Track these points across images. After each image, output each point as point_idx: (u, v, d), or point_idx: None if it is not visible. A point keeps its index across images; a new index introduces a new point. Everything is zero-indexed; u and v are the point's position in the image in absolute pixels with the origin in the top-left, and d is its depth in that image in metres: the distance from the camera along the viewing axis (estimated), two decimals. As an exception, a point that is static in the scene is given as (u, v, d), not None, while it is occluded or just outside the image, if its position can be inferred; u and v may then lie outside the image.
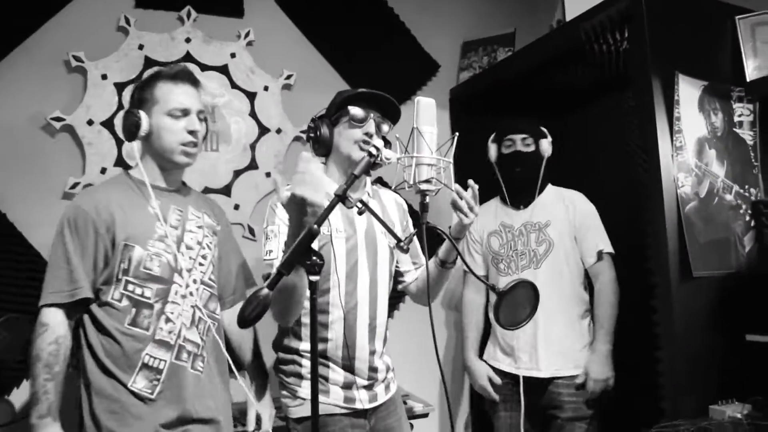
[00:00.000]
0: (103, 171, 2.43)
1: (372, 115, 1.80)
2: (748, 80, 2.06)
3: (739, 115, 2.10)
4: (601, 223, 2.40)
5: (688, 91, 1.98)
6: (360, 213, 1.44)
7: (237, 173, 2.69)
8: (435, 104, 1.46)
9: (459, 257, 1.69)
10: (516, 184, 2.47)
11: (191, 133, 1.67)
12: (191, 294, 1.67)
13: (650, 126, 1.95)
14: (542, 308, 2.24)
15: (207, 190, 2.61)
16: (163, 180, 1.73)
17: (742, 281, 2.01)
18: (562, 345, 2.31)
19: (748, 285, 2.00)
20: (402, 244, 1.48)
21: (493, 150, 2.51)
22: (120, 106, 2.48)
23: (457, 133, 1.47)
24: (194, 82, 1.74)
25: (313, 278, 1.32)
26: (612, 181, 2.70)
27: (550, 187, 2.50)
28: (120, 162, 2.46)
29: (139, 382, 1.56)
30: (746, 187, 2.09)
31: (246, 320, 1.21)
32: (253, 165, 2.73)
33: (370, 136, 1.77)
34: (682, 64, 1.99)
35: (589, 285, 2.42)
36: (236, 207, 2.67)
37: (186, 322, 1.65)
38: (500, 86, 2.76)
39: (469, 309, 2.61)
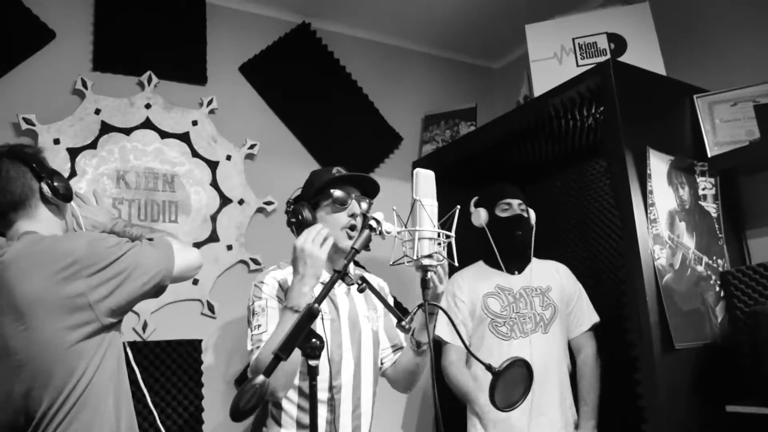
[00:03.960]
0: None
1: (353, 195, 1.78)
2: (709, 155, 2.15)
3: (703, 189, 2.17)
4: None
5: (658, 165, 2.04)
6: (361, 290, 1.37)
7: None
8: (434, 176, 1.42)
9: (461, 341, 1.47)
10: (512, 249, 2.35)
11: None
12: None
13: (626, 199, 1.97)
14: (548, 372, 2.17)
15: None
16: None
17: (718, 352, 2.03)
18: (565, 415, 2.20)
19: (724, 355, 2.02)
20: (404, 323, 1.40)
21: (483, 214, 2.36)
22: (73, 173, 2.32)
23: (458, 206, 1.43)
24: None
25: (313, 363, 1.23)
26: (576, 252, 2.73)
27: (533, 257, 2.42)
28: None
29: None
30: (714, 258, 2.14)
31: (240, 413, 1.11)
32: (213, 237, 2.60)
33: (355, 217, 1.75)
34: (651, 139, 2.05)
35: None
36: (195, 282, 2.51)
37: None
38: (465, 159, 2.77)
39: (464, 375, 2.31)
